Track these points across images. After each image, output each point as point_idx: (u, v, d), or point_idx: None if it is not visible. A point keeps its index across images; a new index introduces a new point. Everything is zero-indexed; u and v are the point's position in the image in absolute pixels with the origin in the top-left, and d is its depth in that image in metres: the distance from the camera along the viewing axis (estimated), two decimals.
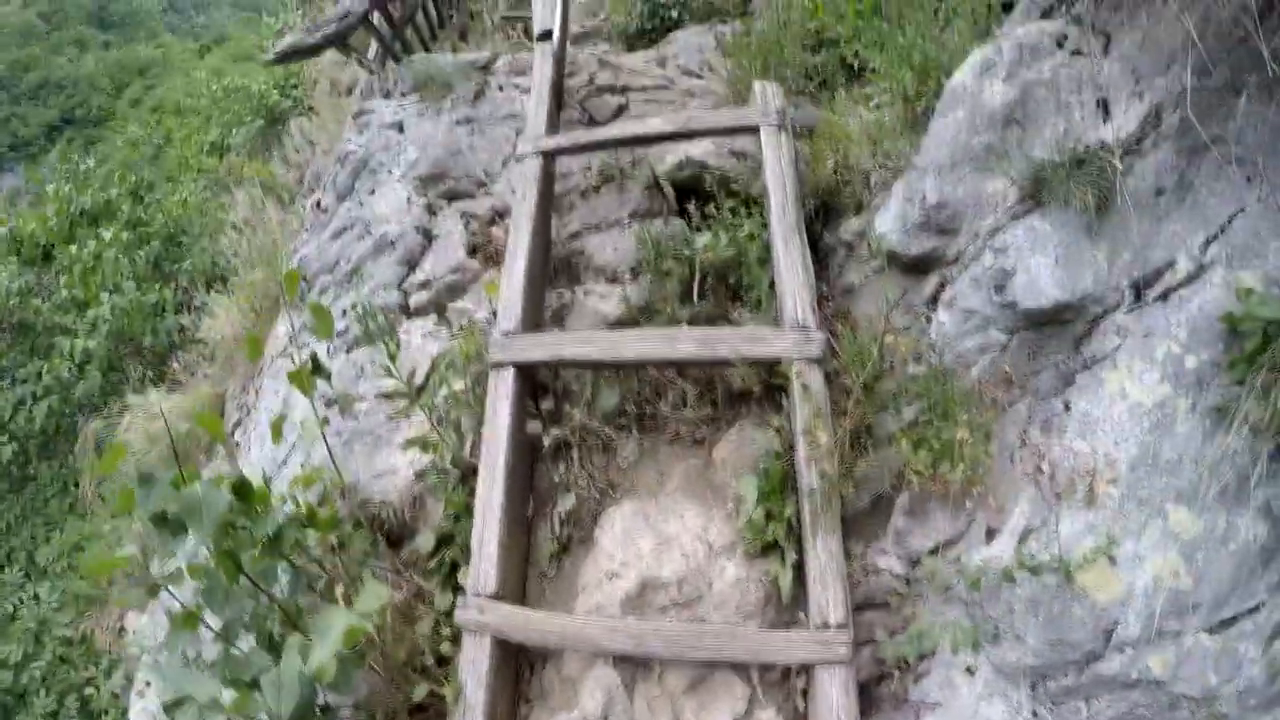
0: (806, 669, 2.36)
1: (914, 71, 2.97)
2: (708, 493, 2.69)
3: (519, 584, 2.62)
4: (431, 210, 3.70)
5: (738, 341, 2.64)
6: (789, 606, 2.49)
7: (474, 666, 2.39)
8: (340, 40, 4.72)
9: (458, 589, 2.61)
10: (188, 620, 2.54)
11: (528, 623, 2.40)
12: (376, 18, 4.94)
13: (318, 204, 4.32)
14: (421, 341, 3.22)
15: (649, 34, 5.64)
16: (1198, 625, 2.00)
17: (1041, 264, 2.36)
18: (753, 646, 2.33)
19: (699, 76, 4.43)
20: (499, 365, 2.71)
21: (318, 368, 2.88)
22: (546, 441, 2.70)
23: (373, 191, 3.92)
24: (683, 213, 3.27)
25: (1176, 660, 2.00)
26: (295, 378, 2.84)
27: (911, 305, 2.67)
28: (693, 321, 2.86)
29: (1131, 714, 2.06)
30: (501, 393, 2.67)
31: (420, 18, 5.83)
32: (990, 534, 2.33)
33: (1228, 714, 1.98)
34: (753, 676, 2.48)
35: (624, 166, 3.44)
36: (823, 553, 2.35)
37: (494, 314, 3.11)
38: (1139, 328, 2.24)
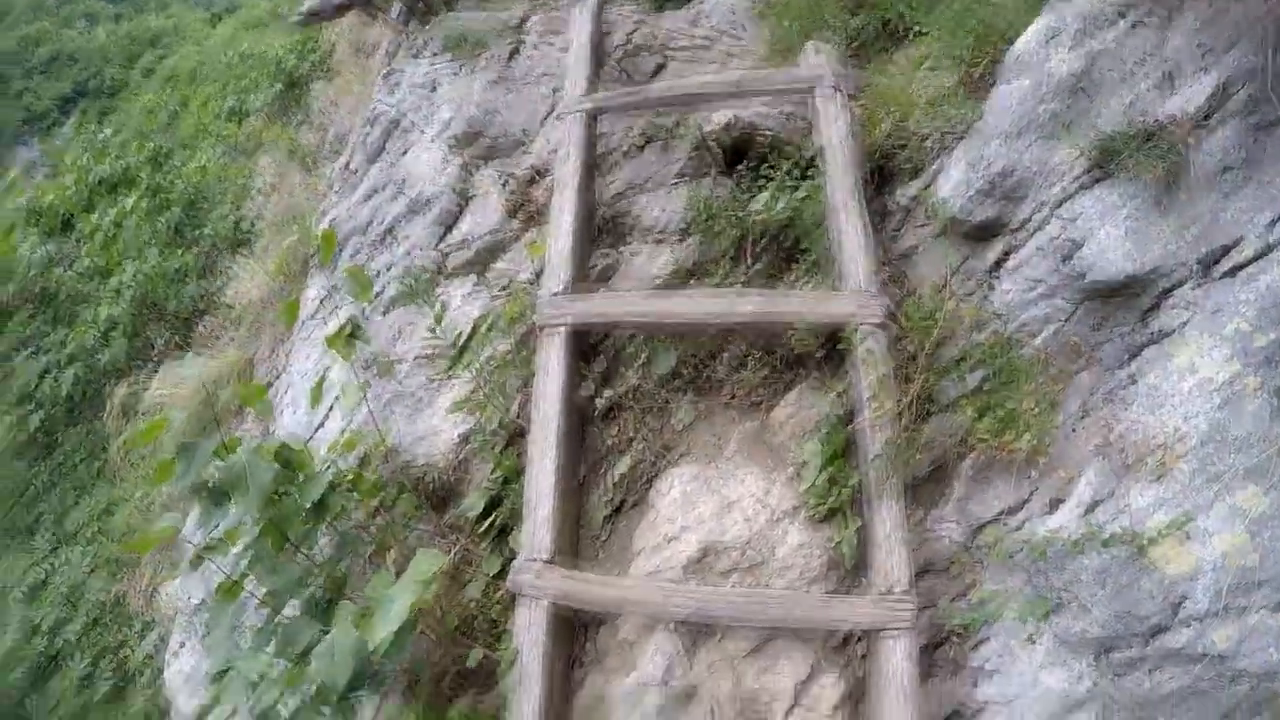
0: (869, 635, 2.29)
1: (972, 36, 2.83)
2: (767, 456, 2.58)
3: (572, 548, 2.52)
4: (468, 170, 3.54)
5: (799, 304, 2.54)
6: (851, 572, 2.42)
7: (529, 632, 2.31)
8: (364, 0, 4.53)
9: (508, 552, 2.52)
10: (232, 590, 2.46)
11: (586, 588, 2.31)
12: None
13: (346, 165, 4.15)
14: (461, 303, 3.09)
15: None
16: (1262, 602, 1.98)
17: (1110, 235, 2.32)
18: (817, 613, 2.27)
19: (737, 37, 4.23)
20: (549, 326, 2.59)
21: (356, 330, 2.77)
22: (599, 404, 2.58)
23: (405, 152, 3.76)
24: (730, 173, 3.11)
25: (1240, 636, 1.98)
26: (334, 341, 2.74)
27: (973, 272, 2.61)
28: (747, 285, 2.72)
29: (1193, 687, 2.03)
30: (552, 355, 2.55)
31: None
32: (1054, 504, 2.29)
33: None
34: (815, 642, 2.41)
35: (669, 126, 3.27)
36: (887, 519, 2.29)
37: (537, 275, 2.98)
38: (1207, 303, 2.20)
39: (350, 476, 2.57)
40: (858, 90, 3.17)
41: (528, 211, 3.31)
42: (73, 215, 7.64)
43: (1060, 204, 2.44)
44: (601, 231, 3.18)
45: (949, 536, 2.43)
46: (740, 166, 2.95)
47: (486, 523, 2.58)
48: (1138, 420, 2.21)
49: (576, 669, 2.46)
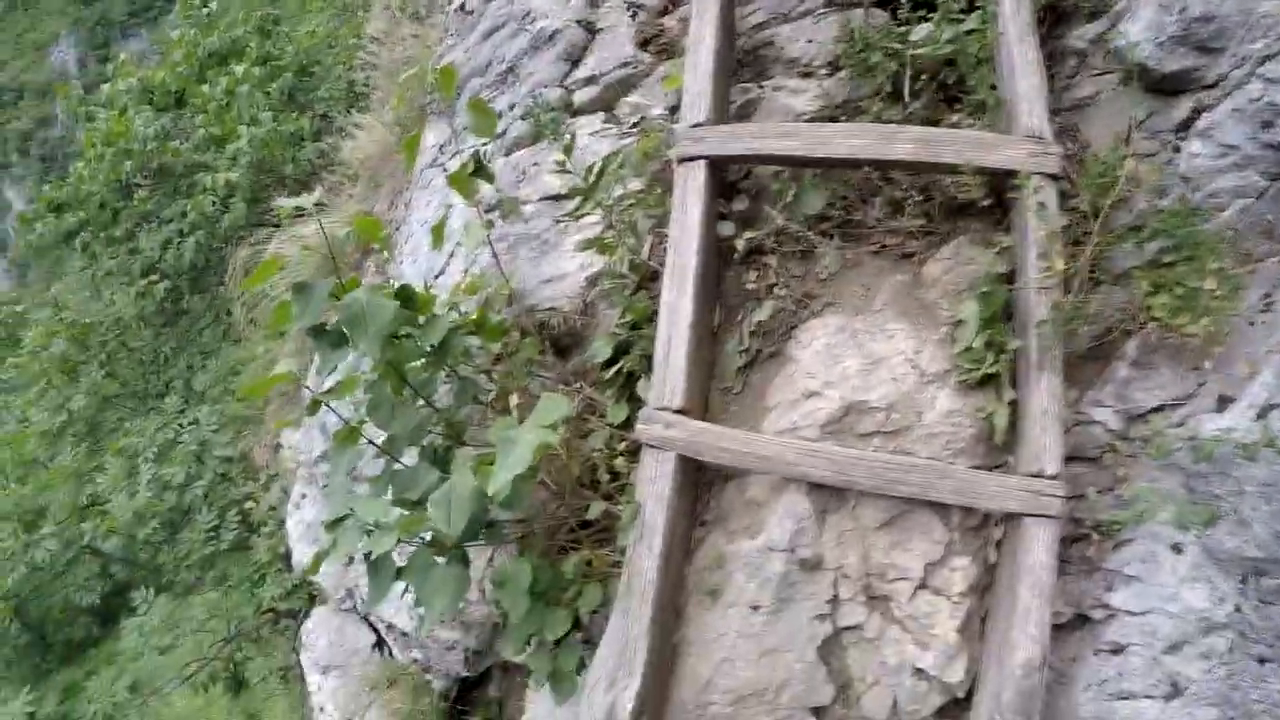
0: (1010, 519, 2.21)
1: None
2: (919, 313, 2.45)
3: (703, 399, 2.51)
4: (593, 3, 3.42)
5: (964, 146, 2.35)
6: (999, 449, 2.32)
7: (654, 485, 2.33)
8: None
9: (634, 401, 2.53)
10: (350, 435, 2.56)
11: (719, 440, 2.30)
12: None
13: (461, 7, 4.11)
14: (589, 141, 3.04)
15: None
16: None
17: None
18: (962, 487, 2.19)
19: None
20: (689, 159, 2.50)
21: (479, 168, 2.75)
22: (740, 245, 2.49)
23: None
24: (886, 3, 2.85)
25: None
26: (455, 180, 2.74)
27: (1156, 130, 2.37)
28: (905, 122, 2.53)
29: None
30: (691, 189, 2.47)
31: None
32: (1223, 402, 2.13)
33: None
34: (953, 520, 2.33)
35: None
36: (1045, 393, 2.16)
37: (671, 110, 2.89)
38: None
39: (474, 318, 2.61)
40: None
41: (660, 44, 3.20)
42: (184, 90, 8.03)
43: (1264, 62, 2.19)
44: (741, 65, 3.03)
45: (1103, 423, 2.30)
46: None
47: (613, 370, 2.59)
48: None
49: (698, 527, 2.49)
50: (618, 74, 3.17)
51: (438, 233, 2.70)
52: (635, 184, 2.78)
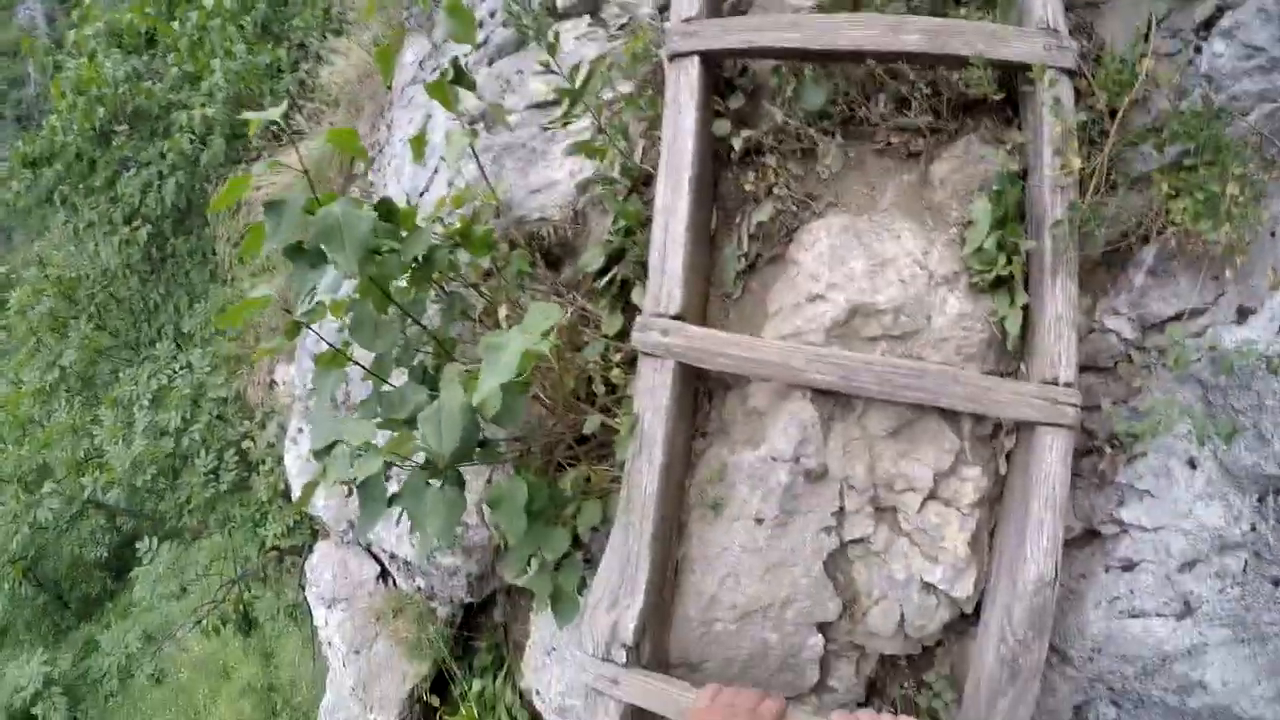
0: (1022, 428, 2.13)
1: None
2: (926, 214, 2.34)
3: (700, 304, 2.42)
4: None
5: (975, 37, 2.19)
6: (1011, 355, 2.23)
7: (652, 395, 2.24)
8: None
9: (629, 310, 2.43)
10: (334, 359, 2.45)
11: (720, 347, 2.20)
12: None
13: None
14: (575, 45, 2.88)
15: None
16: None
17: None
18: (975, 393, 2.09)
19: None
20: (681, 55, 2.34)
21: (459, 75, 2.59)
22: (736, 145, 2.36)
23: None
24: None
25: None
26: (435, 89, 2.58)
27: (1177, 29, 2.21)
28: (911, 11, 2.38)
29: None
30: (685, 87, 2.32)
31: None
32: (1243, 313, 2.04)
33: None
34: (963, 428, 2.26)
35: None
36: (1060, 297, 2.06)
37: (660, 9, 2.72)
38: None
39: (458, 229, 2.48)
40: None
41: None
42: (154, 29, 7.69)
43: None
44: None
45: (1118, 331, 2.21)
46: None
47: (606, 279, 2.48)
48: None
49: (698, 440, 2.42)
50: None
51: (418, 145, 2.56)
52: (625, 86, 2.63)
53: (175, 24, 7.31)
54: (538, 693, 3.01)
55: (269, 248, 2.21)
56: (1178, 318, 2.14)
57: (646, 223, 2.37)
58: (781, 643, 2.28)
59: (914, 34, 2.22)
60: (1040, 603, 1.98)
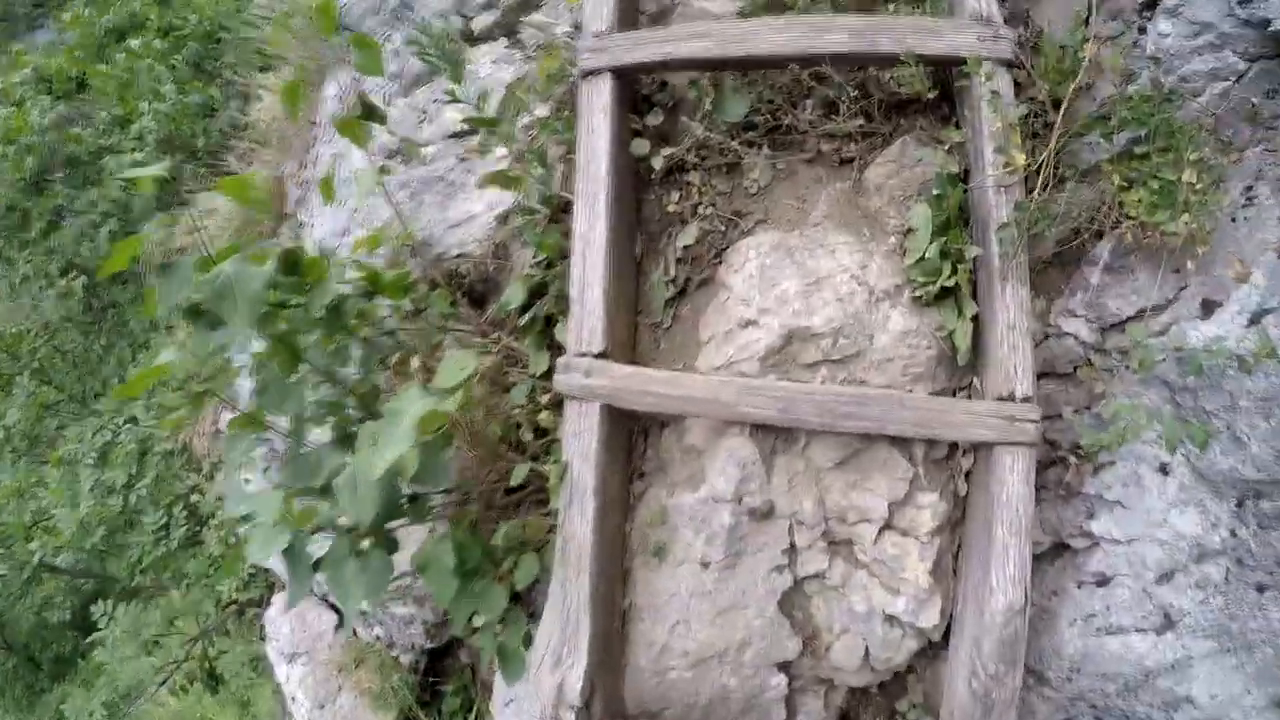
0: (980, 448, 2.01)
1: None
2: (862, 223, 2.21)
3: (628, 337, 2.27)
4: None
5: (904, 32, 2.07)
6: (963, 368, 2.11)
7: (580, 440, 2.10)
8: None
9: (555, 348, 2.27)
10: (249, 422, 2.29)
11: (647, 385, 2.06)
12: None
13: None
14: (492, 69, 2.74)
15: None
16: None
17: None
18: (924, 418, 1.97)
19: None
20: (593, 73, 2.21)
21: (369, 112, 2.45)
22: (656, 164, 2.22)
23: None
24: None
25: None
26: (345, 127, 2.43)
27: (1118, 10, 2.11)
28: (835, 7, 2.27)
29: None
30: (597, 106, 2.18)
31: None
32: (1208, 307, 1.94)
33: None
34: (916, 453, 2.13)
35: None
36: (1011, 305, 1.94)
37: (577, 26, 2.57)
38: None
39: (366, 276, 2.32)
40: None
41: None
42: (84, 73, 7.44)
43: None
44: None
45: (1076, 334, 2.10)
46: None
47: (529, 315, 2.32)
48: None
49: (636, 480, 2.28)
50: None
51: (326, 186, 2.39)
52: (542, 109, 2.49)
53: (104, 66, 7.08)
54: None
55: (162, 313, 2.10)
56: (1139, 316, 2.03)
57: (567, 254, 2.22)
58: (742, 686, 2.14)
59: (839, 34, 2.09)
60: (1010, 634, 1.85)
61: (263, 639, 5.05)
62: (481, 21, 2.90)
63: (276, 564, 3.83)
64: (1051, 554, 2.14)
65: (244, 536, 2.11)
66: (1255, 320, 1.86)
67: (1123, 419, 1.92)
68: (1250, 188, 1.93)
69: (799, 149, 2.27)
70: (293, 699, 3.90)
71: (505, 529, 2.25)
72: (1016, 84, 2.07)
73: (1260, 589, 1.89)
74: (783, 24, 2.15)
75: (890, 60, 2.10)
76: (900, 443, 2.09)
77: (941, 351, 2.10)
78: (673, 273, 2.26)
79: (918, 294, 2.10)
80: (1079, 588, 2.08)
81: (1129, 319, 2.04)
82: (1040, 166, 1.99)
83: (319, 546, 2.14)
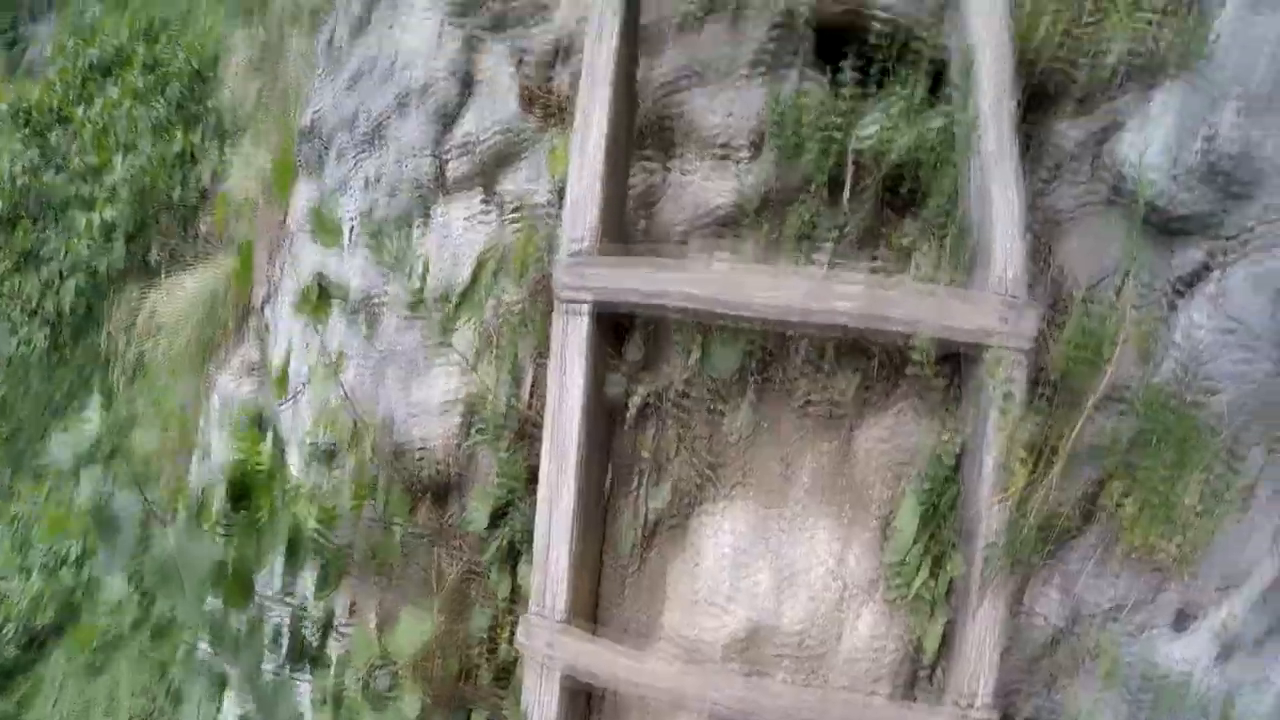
0: None
1: None
2: (845, 499, 2.04)
3: (593, 587, 2.12)
4: (471, 46, 2.84)
5: (916, 304, 1.85)
6: (928, 664, 1.99)
7: (540, 706, 1.94)
8: None
9: (518, 574, 2.12)
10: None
11: (611, 665, 1.91)
12: None
13: (330, 40, 3.47)
14: (463, 228, 2.53)
15: None
16: None
17: None
18: None
19: None
20: (571, 303, 1.98)
21: (324, 293, 2.28)
22: (631, 405, 2.03)
23: (391, 26, 3.05)
24: (825, 68, 2.29)
25: None
26: (302, 306, 2.29)
27: (1152, 276, 1.95)
28: (841, 236, 2.06)
29: None
30: (572, 344, 1.97)
31: None
32: (1182, 619, 1.88)
33: None
34: None
35: None
36: (985, 621, 1.80)
37: (557, 194, 2.36)
38: None
39: (319, 512, 2.14)
40: None
41: (547, 104, 2.62)
42: (64, 109, 7.11)
43: None
44: (645, 135, 2.48)
45: (1046, 615, 1.95)
46: (842, 63, 2.14)
47: (493, 539, 2.17)
48: None
49: None
50: (497, 140, 2.61)
51: (280, 383, 2.21)
52: (513, 295, 2.28)
53: (81, 108, 6.76)
54: None
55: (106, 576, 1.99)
56: (1112, 610, 1.91)
57: (532, 479, 2.03)
58: None
59: (845, 301, 1.86)
60: None
61: None
62: (456, 167, 2.67)
63: None
64: None
65: None
66: (1225, 655, 1.80)
67: None
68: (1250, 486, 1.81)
69: (788, 399, 2.07)
70: None
71: None
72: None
73: None
74: (785, 278, 1.94)
75: (901, 334, 1.87)
76: None
77: (907, 652, 1.97)
78: (643, 518, 2.09)
79: (892, 596, 1.96)
80: None
81: (1104, 611, 1.91)
82: (1041, 480, 1.79)
83: None
